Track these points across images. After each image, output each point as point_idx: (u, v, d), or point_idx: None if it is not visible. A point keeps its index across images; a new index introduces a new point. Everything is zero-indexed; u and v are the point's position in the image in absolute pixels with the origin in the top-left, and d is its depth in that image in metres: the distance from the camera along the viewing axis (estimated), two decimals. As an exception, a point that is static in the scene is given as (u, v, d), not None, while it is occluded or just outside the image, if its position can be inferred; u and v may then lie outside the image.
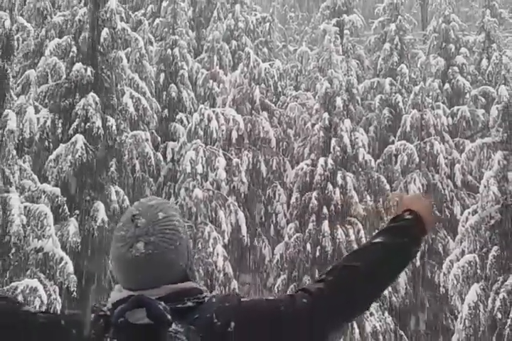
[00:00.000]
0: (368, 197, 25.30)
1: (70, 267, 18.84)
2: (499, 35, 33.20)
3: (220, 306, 2.28)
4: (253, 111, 27.78)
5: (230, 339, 2.22)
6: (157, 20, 31.72)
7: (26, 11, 27.47)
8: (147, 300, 2.22)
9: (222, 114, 26.22)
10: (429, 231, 2.62)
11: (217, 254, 22.99)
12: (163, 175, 27.44)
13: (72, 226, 21.46)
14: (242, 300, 2.33)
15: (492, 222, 20.53)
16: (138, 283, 2.31)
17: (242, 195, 25.97)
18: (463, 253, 20.86)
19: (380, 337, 22.84)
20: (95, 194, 23.33)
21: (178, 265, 2.35)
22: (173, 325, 2.19)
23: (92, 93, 23.64)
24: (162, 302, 2.22)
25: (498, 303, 19.24)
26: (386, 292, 23.73)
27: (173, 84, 29.00)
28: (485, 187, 20.68)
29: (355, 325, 22.46)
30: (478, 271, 20.20)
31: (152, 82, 28.27)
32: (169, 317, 2.19)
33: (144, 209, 2.38)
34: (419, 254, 24.77)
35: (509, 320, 18.99)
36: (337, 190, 24.11)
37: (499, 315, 19.17)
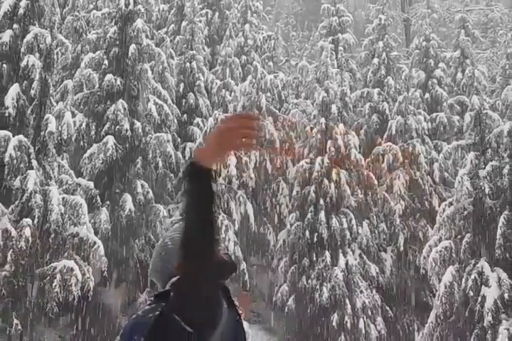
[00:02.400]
0: (359, 191, 25.22)
1: (102, 250, 18.78)
2: (472, 52, 33.02)
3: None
4: (260, 116, 27.62)
5: (171, 304, 2.37)
6: (177, 38, 31.60)
7: (65, 29, 27.38)
8: (150, 297, 2.76)
9: (233, 118, 26.05)
10: (208, 161, 2.31)
11: (229, 240, 22.91)
12: (182, 171, 27.38)
13: (104, 214, 21.41)
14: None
15: (465, 212, 20.43)
16: (160, 288, 2.78)
17: (251, 188, 25.85)
18: (440, 239, 20.74)
19: (369, 312, 22.78)
20: (123, 187, 23.30)
21: (167, 268, 2.74)
22: (147, 306, 2.60)
23: (121, 100, 23.61)
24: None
25: (470, 283, 19.15)
26: (374, 273, 23.69)
27: (191, 93, 28.89)
28: (459, 182, 20.58)
29: (347, 301, 22.41)
30: (454, 255, 20.10)
31: (173, 90, 28.16)
32: (148, 301, 2.65)
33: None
34: (402, 241, 24.78)
35: (479, 298, 18.92)
36: (332, 185, 23.98)
37: (471, 293, 19.09)
